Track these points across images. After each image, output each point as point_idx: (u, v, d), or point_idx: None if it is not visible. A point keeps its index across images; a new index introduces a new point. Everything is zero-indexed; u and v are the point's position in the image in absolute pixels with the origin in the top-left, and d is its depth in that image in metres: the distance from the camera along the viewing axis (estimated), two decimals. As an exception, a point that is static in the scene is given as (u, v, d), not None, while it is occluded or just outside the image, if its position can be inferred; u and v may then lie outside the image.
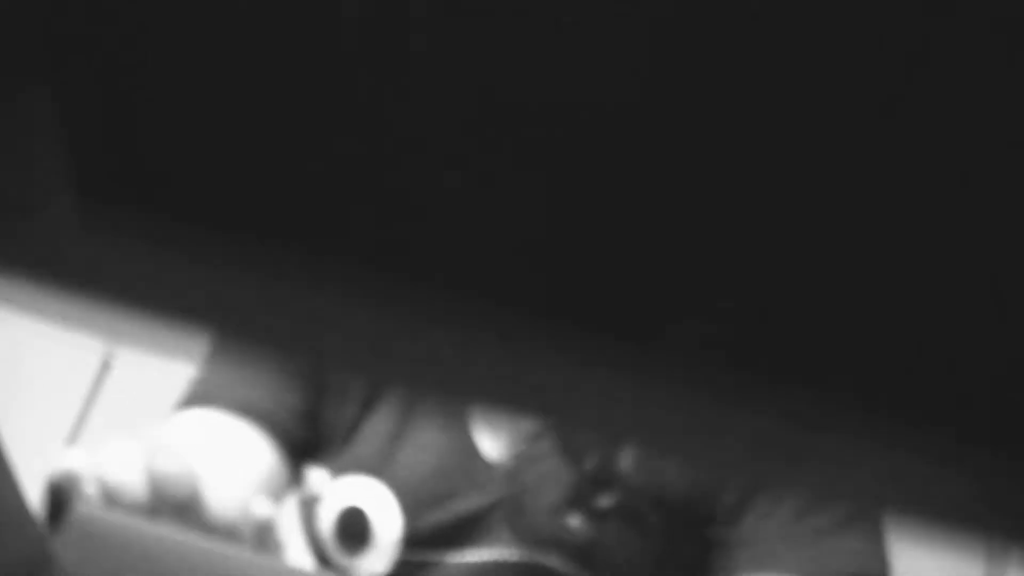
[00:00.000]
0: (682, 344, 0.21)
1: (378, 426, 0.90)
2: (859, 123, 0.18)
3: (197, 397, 0.89)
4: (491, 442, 0.90)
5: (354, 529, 0.86)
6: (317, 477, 0.90)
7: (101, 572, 0.43)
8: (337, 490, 0.88)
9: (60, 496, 0.51)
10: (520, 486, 0.83)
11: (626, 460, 0.81)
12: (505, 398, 0.23)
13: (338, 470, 0.89)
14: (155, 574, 0.44)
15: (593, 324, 0.21)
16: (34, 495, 0.46)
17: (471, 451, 0.89)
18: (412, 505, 0.87)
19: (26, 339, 1.71)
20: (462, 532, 0.86)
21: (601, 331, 0.21)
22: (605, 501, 0.79)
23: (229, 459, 0.79)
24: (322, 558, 0.89)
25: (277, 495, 0.84)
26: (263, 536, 0.59)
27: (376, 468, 0.88)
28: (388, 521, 0.86)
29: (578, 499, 0.81)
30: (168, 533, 0.46)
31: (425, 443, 0.89)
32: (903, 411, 0.20)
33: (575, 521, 0.80)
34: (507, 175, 0.21)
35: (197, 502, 0.58)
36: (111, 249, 0.23)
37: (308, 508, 0.90)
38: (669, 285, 0.21)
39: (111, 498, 0.55)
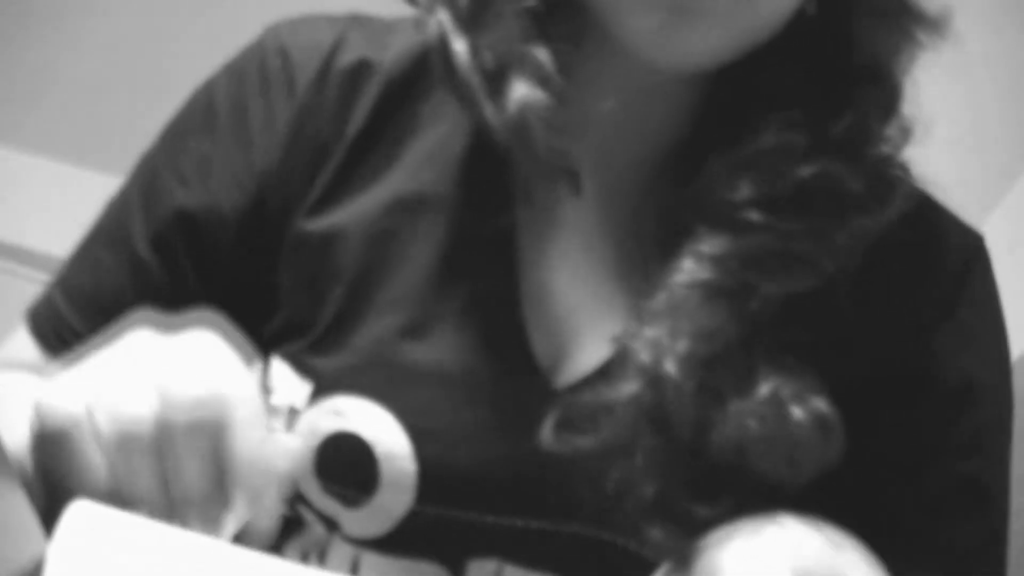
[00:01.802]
0: None
1: (384, 315, 0.65)
2: None
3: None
4: (551, 354, 0.65)
5: (345, 466, 0.63)
6: (286, 379, 0.65)
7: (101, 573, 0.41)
8: (321, 408, 0.64)
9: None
10: (597, 443, 0.59)
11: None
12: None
13: (321, 377, 0.64)
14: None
15: None
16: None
17: (524, 365, 0.65)
18: (430, 443, 0.63)
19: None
20: (501, 489, 0.63)
21: None
22: (703, 511, 0.57)
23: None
24: (294, 501, 0.65)
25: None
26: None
27: (377, 383, 0.64)
28: (396, 458, 0.62)
29: (673, 496, 0.59)
30: (176, 531, 0.43)
31: (455, 348, 0.64)
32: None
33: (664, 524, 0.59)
34: None
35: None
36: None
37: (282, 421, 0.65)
38: None
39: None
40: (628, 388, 0.59)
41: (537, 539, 0.63)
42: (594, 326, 0.65)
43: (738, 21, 0.58)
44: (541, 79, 0.60)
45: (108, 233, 0.71)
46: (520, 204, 0.67)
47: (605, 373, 0.63)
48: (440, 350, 0.64)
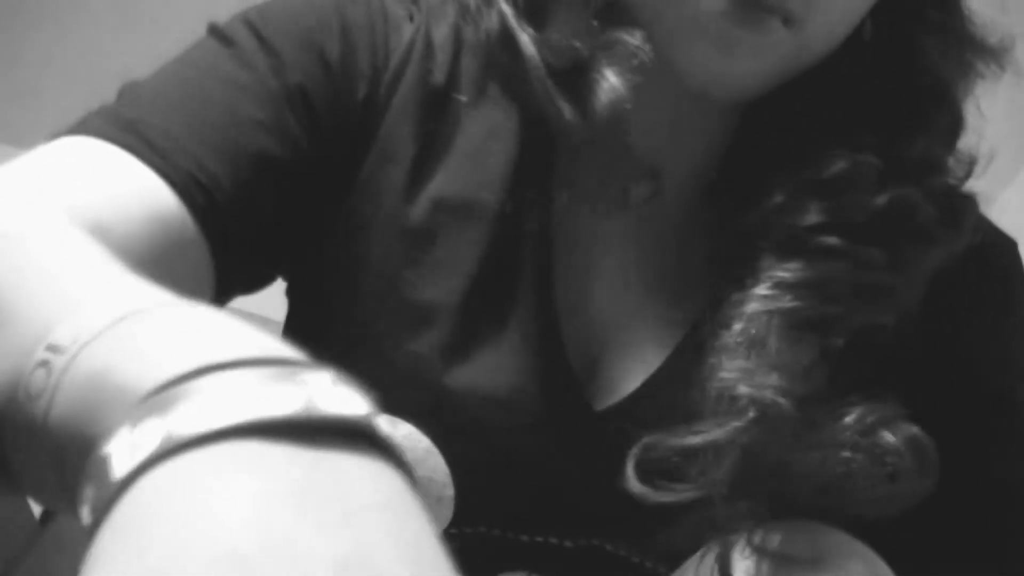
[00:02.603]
0: None
1: (422, 328, 0.60)
2: None
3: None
4: (587, 369, 0.63)
5: None
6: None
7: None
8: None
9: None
10: (692, 489, 0.56)
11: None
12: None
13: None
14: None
15: None
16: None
17: (564, 385, 0.62)
18: (470, 468, 0.60)
19: None
20: (541, 513, 0.61)
21: None
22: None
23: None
24: None
25: None
26: None
27: (418, 405, 0.60)
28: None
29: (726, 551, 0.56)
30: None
31: (494, 369, 0.61)
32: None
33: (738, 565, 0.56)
34: None
35: None
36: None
37: None
38: None
39: None
40: (729, 426, 0.55)
41: (566, 555, 0.62)
42: (633, 347, 0.63)
43: (786, 51, 0.57)
44: (631, 67, 0.57)
45: (222, 82, 0.58)
46: (560, 216, 0.63)
47: (647, 395, 0.61)
48: (480, 372, 0.61)
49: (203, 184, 0.53)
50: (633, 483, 0.57)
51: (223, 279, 0.55)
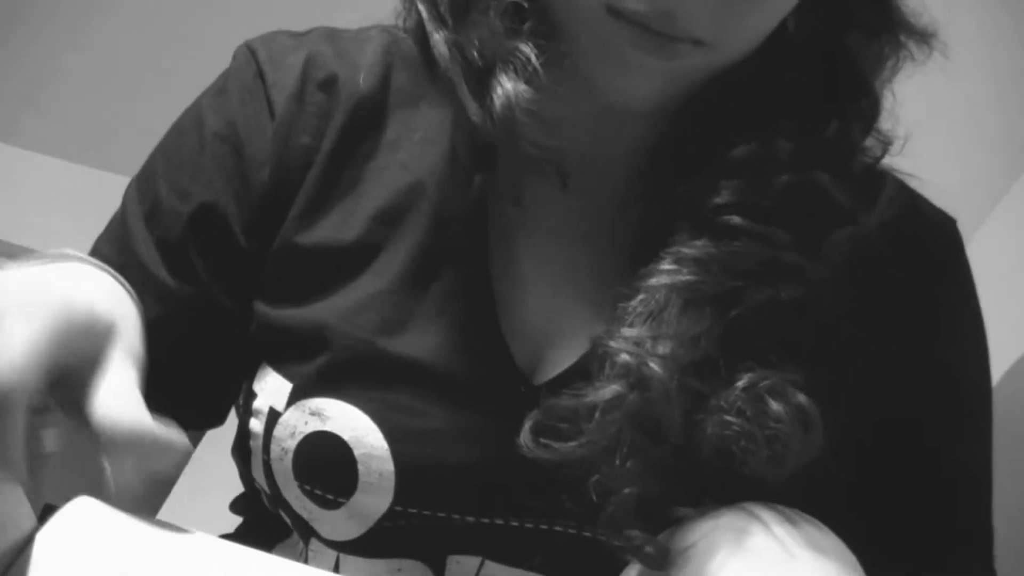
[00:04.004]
0: None
1: (360, 314, 0.65)
2: None
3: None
4: (529, 354, 0.66)
5: (324, 468, 0.63)
6: (268, 379, 0.66)
7: (89, 568, 0.41)
8: (300, 409, 0.64)
9: None
10: (579, 448, 0.58)
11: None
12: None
13: (299, 378, 0.64)
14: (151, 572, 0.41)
15: None
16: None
17: (502, 365, 0.65)
18: (408, 443, 0.63)
19: None
20: (480, 489, 0.63)
21: None
22: (685, 513, 0.57)
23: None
24: (276, 497, 0.66)
25: None
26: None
27: (355, 384, 0.64)
28: (374, 459, 0.63)
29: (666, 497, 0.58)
30: (168, 529, 0.43)
31: (432, 348, 0.64)
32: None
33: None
34: None
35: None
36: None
37: (256, 418, 0.66)
38: None
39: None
40: (609, 389, 0.58)
41: (518, 536, 0.64)
42: (570, 328, 0.66)
43: (696, 68, 0.59)
44: (526, 75, 0.59)
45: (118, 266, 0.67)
46: (495, 208, 0.67)
47: (581, 371, 0.62)
48: (416, 349, 0.64)
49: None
50: (526, 440, 0.59)
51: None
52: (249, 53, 0.70)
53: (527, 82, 0.59)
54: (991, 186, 1.60)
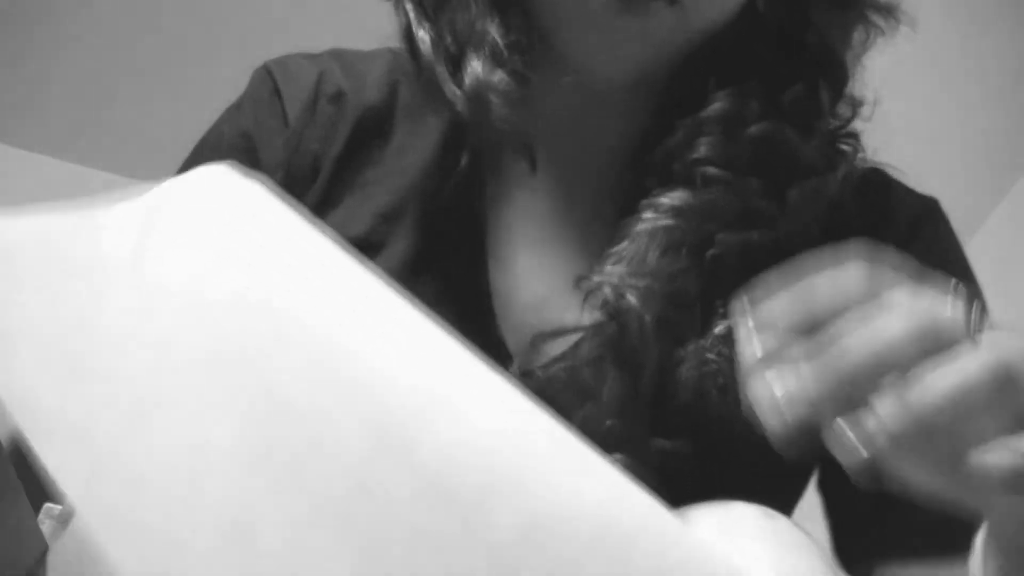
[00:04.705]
0: None
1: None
2: None
3: None
4: (521, 341, 0.68)
5: None
6: None
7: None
8: None
9: None
10: (563, 371, 0.63)
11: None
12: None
13: None
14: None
15: None
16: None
17: (495, 353, 0.66)
18: None
19: None
20: None
21: None
22: (662, 444, 0.60)
23: None
24: None
25: None
26: None
27: None
28: None
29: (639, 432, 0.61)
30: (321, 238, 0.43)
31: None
32: None
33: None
34: None
35: None
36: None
37: None
38: None
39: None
40: (590, 317, 0.63)
41: None
42: (562, 313, 0.68)
43: (671, 30, 0.63)
44: (496, 57, 0.64)
45: None
46: (489, 198, 0.71)
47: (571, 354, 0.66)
48: None
49: None
50: (514, 370, 0.64)
51: None
52: (266, 73, 0.75)
53: (499, 64, 0.64)
54: (991, 186, 1.60)
